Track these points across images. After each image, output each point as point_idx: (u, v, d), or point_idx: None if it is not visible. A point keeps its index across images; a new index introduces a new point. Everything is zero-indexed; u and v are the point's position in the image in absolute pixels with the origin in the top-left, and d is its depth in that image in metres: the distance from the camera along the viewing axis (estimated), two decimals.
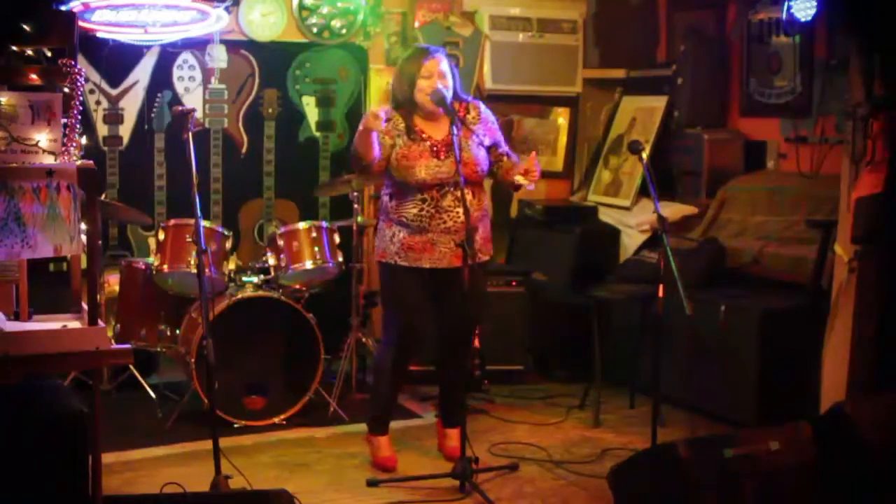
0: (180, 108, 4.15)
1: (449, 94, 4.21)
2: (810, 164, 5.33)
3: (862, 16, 4.09)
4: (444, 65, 4.28)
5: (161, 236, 4.87)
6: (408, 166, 4.23)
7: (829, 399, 4.14)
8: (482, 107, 4.42)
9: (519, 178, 4.22)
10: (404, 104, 4.30)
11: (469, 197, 4.15)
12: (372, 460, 4.44)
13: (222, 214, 5.87)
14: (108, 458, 3.83)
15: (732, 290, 5.15)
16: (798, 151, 5.41)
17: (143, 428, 4.79)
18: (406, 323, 4.35)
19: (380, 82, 6.11)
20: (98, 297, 3.33)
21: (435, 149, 4.25)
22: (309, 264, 4.94)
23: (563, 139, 6.64)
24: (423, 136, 4.28)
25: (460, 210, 4.16)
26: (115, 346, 3.29)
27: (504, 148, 4.42)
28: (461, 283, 4.13)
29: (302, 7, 5.92)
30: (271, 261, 5.00)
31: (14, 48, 4.21)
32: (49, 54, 4.39)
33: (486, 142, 4.34)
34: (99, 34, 5.37)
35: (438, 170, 4.22)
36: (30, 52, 4.32)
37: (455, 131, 4.08)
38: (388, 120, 4.25)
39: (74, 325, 3.44)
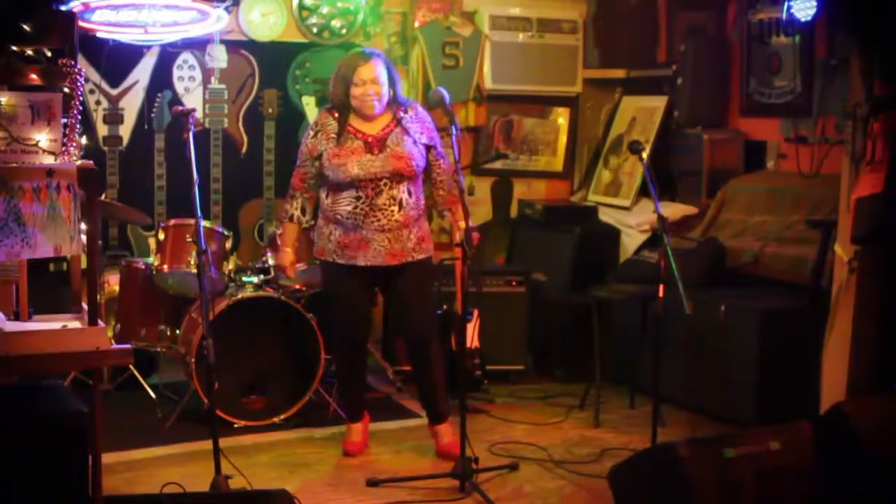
0: (180, 108, 4.15)
1: (449, 95, 4.27)
2: (810, 164, 5.33)
3: (862, 16, 4.09)
4: (379, 69, 4.32)
5: (161, 236, 4.87)
6: (339, 164, 4.31)
7: (829, 399, 4.14)
8: (419, 108, 4.48)
9: (458, 237, 4.33)
10: (339, 106, 4.39)
11: (405, 196, 4.31)
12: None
13: (222, 214, 5.88)
14: (108, 458, 3.83)
15: (732, 290, 5.15)
16: (798, 151, 5.41)
17: (143, 428, 4.79)
18: (342, 321, 4.50)
19: None
20: (98, 297, 3.34)
21: (368, 144, 4.31)
22: (309, 264, 4.93)
23: (563, 139, 6.64)
24: (358, 134, 4.34)
25: (395, 209, 4.30)
26: (115, 346, 3.29)
27: (438, 151, 4.46)
28: (400, 280, 4.38)
29: (302, 7, 5.92)
30: (271, 261, 5.00)
31: (14, 48, 4.21)
32: (49, 54, 4.40)
33: (423, 140, 4.40)
34: (99, 34, 5.38)
35: (371, 164, 4.28)
36: (30, 52, 4.32)
37: (454, 131, 4.13)
38: (316, 133, 4.41)
39: (74, 325, 3.44)
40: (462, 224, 4.28)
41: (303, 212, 4.52)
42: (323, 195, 4.45)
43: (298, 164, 4.50)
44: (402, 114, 4.39)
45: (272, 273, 5.00)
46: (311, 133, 4.44)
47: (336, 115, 4.40)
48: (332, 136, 4.37)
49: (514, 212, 6.47)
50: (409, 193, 4.34)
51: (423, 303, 4.49)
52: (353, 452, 4.57)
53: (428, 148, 4.43)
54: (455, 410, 4.41)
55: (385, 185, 4.29)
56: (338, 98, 4.39)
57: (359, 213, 4.31)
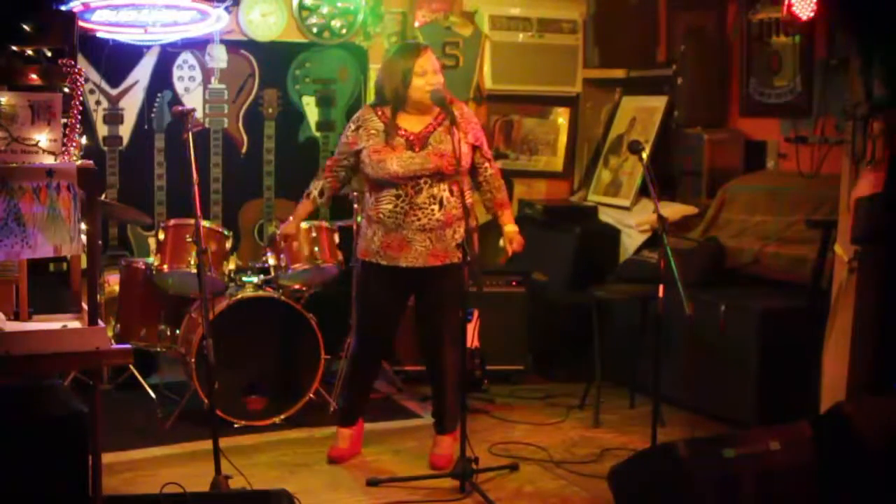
0: (180, 108, 4.15)
1: (447, 94, 4.25)
2: (810, 164, 5.32)
3: (862, 16, 4.09)
4: (435, 60, 4.29)
5: (161, 236, 4.87)
6: (379, 161, 4.24)
7: (829, 399, 4.14)
8: (464, 107, 4.43)
9: (503, 243, 4.40)
10: (393, 101, 4.28)
11: (446, 195, 4.24)
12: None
13: (222, 214, 5.87)
14: (108, 458, 3.83)
15: (732, 290, 5.15)
16: (798, 151, 5.40)
17: (143, 428, 4.79)
18: (366, 320, 4.46)
19: None
20: (98, 297, 3.34)
21: (410, 141, 4.25)
22: (309, 264, 4.94)
23: (563, 139, 6.64)
24: (401, 131, 4.26)
25: (435, 208, 4.23)
26: (115, 346, 3.29)
27: (485, 151, 4.42)
28: (439, 282, 4.28)
29: (302, 7, 5.92)
30: (271, 261, 5.00)
31: (14, 48, 4.21)
32: (49, 54, 4.39)
33: (469, 138, 4.32)
34: (99, 34, 5.38)
35: (412, 161, 4.21)
36: (30, 52, 4.32)
37: (454, 132, 4.10)
38: (357, 128, 4.33)
39: (74, 325, 3.44)
40: (507, 227, 4.37)
41: (320, 194, 4.47)
42: (367, 195, 4.41)
43: (336, 153, 4.47)
44: (447, 111, 4.23)
45: (272, 273, 5.00)
46: (352, 127, 4.35)
47: (381, 111, 4.30)
48: (374, 132, 4.27)
49: (514, 211, 6.46)
50: (452, 192, 4.25)
51: (455, 309, 4.31)
52: (337, 459, 4.47)
53: (473, 148, 4.35)
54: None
55: (426, 183, 4.22)
56: (393, 92, 4.26)
57: (399, 213, 4.24)
